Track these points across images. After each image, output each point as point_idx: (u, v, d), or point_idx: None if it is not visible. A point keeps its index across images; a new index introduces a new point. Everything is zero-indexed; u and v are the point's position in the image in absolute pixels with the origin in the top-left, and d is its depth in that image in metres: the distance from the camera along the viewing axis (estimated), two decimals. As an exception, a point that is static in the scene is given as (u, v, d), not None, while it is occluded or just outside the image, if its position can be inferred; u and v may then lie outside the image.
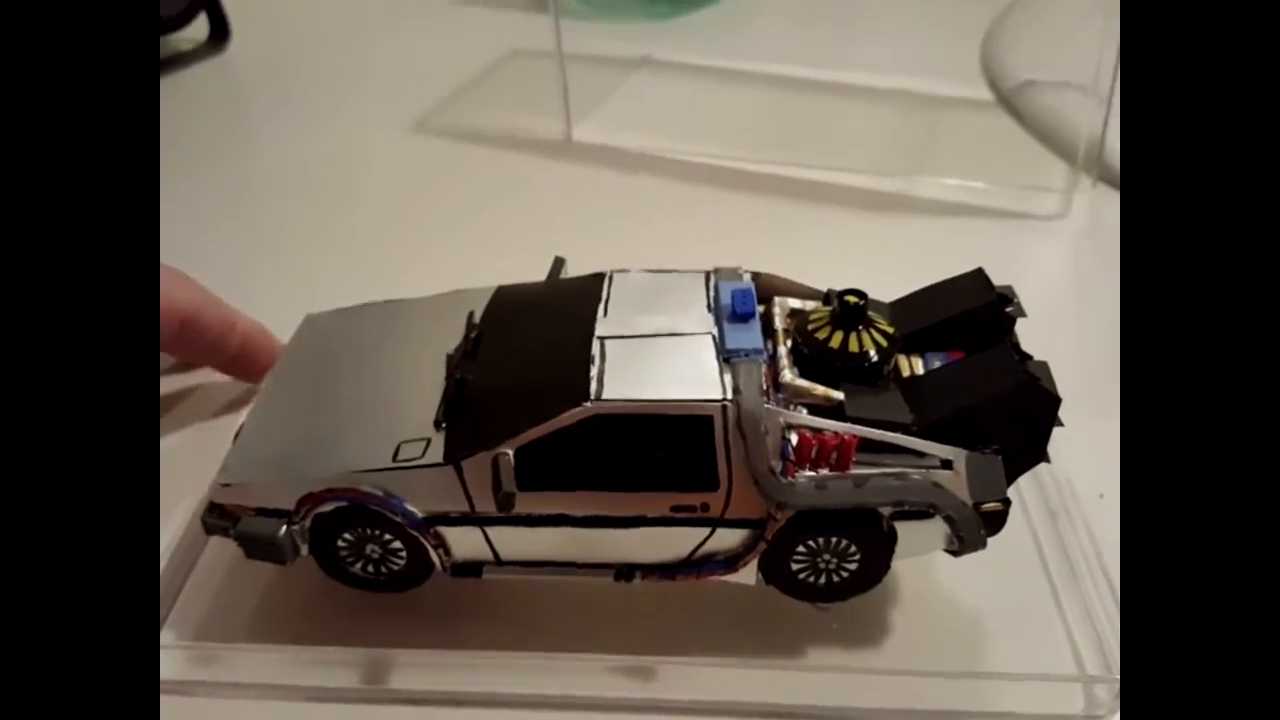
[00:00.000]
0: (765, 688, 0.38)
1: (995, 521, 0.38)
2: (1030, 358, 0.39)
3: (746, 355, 0.37)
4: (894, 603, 0.41)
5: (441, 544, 0.39)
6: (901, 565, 0.39)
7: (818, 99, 0.83)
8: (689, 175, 0.72)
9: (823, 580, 0.39)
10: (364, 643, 0.39)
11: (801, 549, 0.38)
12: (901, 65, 0.83)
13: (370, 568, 0.40)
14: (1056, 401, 0.37)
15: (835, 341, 0.38)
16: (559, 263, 0.46)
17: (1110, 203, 0.68)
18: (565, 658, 0.38)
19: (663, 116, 0.80)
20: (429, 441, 0.38)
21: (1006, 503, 0.37)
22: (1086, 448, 0.42)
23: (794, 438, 0.36)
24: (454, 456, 0.37)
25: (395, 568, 0.40)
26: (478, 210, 0.69)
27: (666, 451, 0.37)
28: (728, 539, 0.38)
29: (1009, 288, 0.41)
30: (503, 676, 0.38)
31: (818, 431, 0.36)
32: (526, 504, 0.37)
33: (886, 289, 0.54)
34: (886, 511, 0.37)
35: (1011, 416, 0.37)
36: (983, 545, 0.38)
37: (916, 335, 0.40)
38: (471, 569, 0.39)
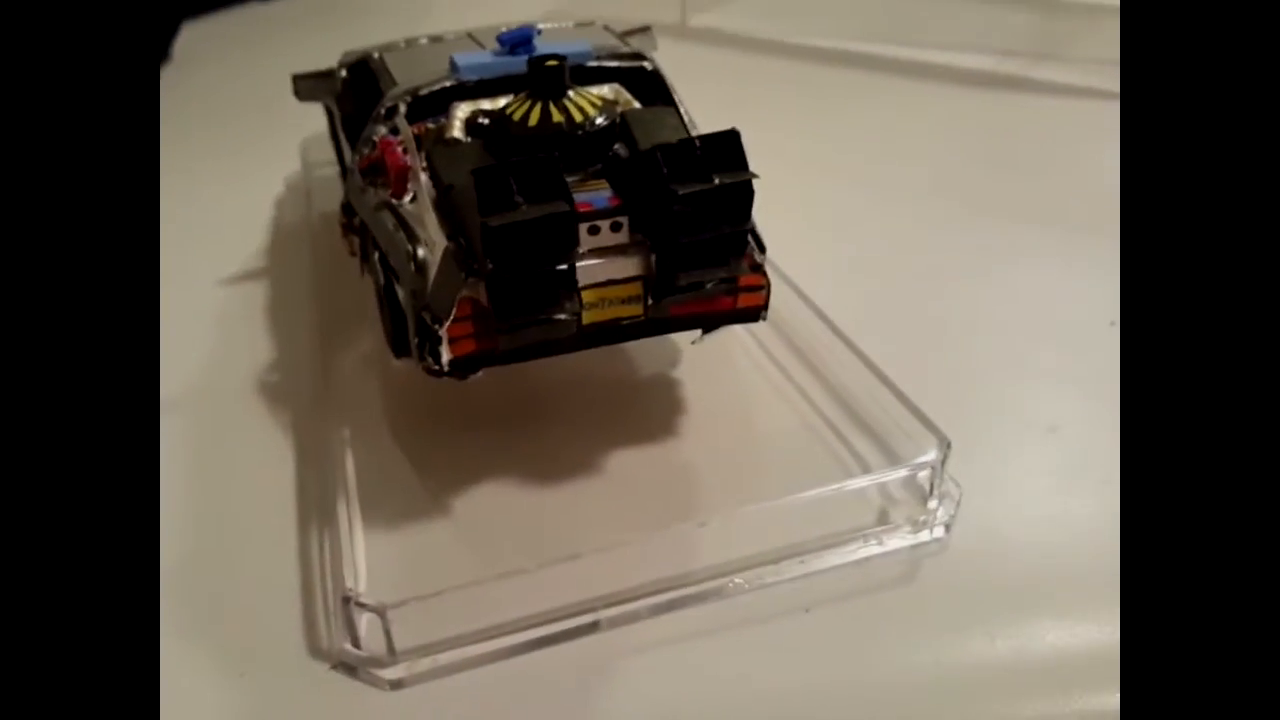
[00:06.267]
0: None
1: (419, 338, 0.33)
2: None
3: (458, 68, 0.38)
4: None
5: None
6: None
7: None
8: (803, 56, 0.73)
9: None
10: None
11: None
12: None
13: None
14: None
15: (512, 102, 0.36)
16: (643, 29, 0.50)
17: None
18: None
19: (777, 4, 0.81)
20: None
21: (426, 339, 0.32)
22: None
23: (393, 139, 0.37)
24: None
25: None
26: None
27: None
28: None
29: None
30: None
31: (395, 143, 0.37)
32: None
33: (999, 172, 0.53)
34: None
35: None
36: (405, 353, 0.35)
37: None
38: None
